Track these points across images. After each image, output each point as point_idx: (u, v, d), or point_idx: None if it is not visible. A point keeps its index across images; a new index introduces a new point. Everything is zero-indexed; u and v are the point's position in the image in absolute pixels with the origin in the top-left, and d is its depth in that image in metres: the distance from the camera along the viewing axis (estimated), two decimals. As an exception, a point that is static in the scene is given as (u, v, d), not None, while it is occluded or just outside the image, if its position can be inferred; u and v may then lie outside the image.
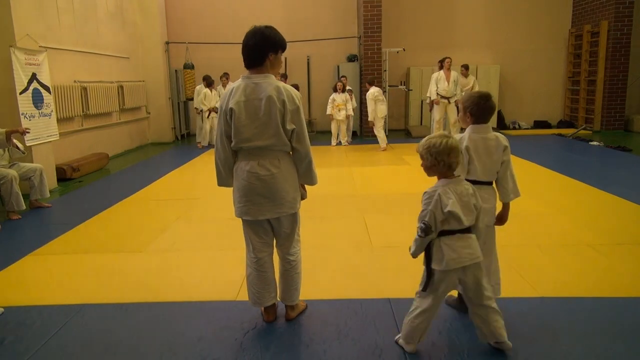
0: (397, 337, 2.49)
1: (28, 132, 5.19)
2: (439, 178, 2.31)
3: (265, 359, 2.39)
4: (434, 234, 2.25)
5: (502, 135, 2.68)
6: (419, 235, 2.25)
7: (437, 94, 9.64)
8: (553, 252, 3.69)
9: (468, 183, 2.35)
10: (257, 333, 2.64)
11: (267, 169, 2.52)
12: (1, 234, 4.55)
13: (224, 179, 2.68)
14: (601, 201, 5.10)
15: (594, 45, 11.28)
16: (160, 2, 11.10)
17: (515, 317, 2.72)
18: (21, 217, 5.08)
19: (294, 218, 2.71)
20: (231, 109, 2.48)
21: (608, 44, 10.90)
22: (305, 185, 2.76)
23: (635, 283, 3.12)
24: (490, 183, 2.64)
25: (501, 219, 2.70)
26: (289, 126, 2.49)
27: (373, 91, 9.10)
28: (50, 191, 5.75)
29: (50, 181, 6.13)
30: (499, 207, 2.69)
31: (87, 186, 6.73)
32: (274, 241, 2.77)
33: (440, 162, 2.24)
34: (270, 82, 2.50)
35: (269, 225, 2.70)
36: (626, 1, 10.62)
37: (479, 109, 2.60)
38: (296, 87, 9.53)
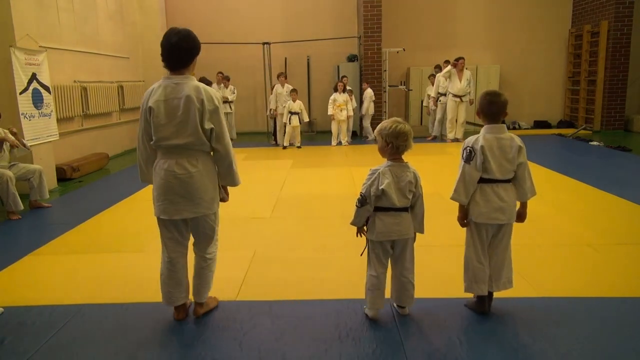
0: (364, 307, 2.78)
1: (15, 132, 5.23)
2: (387, 160, 2.60)
3: (265, 359, 2.39)
4: (369, 206, 2.56)
5: (518, 137, 2.69)
6: (356, 205, 2.59)
7: (450, 93, 9.76)
8: (553, 252, 3.69)
9: (412, 170, 2.60)
10: (257, 333, 2.63)
11: (185, 168, 2.55)
12: (1, 234, 4.56)
13: (145, 175, 2.75)
14: (601, 201, 5.09)
15: (594, 45, 11.28)
16: (160, 2, 11.10)
17: (515, 317, 2.72)
18: (21, 217, 5.08)
19: (212, 218, 2.72)
20: (150, 108, 2.52)
21: (608, 44, 10.90)
22: (228, 188, 2.81)
23: (635, 283, 3.12)
24: (508, 180, 2.69)
25: (520, 216, 2.79)
26: (207, 125, 2.52)
27: (370, 91, 10.49)
28: (50, 191, 5.75)
29: (50, 181, 6.13)
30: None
31: (87, 186, 6.73)
32: (190, 241, 2.79)
33: (389, 144, 2.54)
34: (190, 83, 2.54)
35: (185, 225, 2.71)
36: (626, 1, 10.62)
37: (486, 107, 2.65)
38: (295, 91, 9.54)
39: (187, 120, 2.49)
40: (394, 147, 2.53)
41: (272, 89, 10.62)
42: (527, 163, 2.69)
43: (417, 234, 2.73)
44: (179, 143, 2.53)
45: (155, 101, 2.52)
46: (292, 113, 9.51)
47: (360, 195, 2.58)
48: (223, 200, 2.78)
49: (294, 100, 9.53)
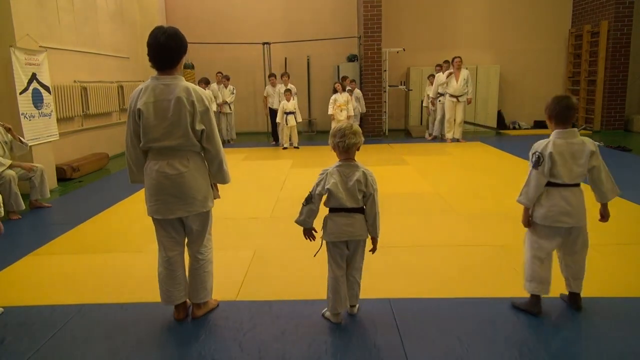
0: (323, 310, 2.76)
1: (9, 127, 5.27)
2: (339, 160, 2.63)
3: (265, 359, 2.39)
4: (314, 205, 2.61)
5: (590, 140, 2.66)
6: (302, 204, 2.64)
7: (446, 92, 9.74)
8: (553, 252, 3.68)
9: (362, 170, 2.60)
10: (257, 333, 2.63)
11: (176, 168, 2.56)
12: (1, 234, 4.55)
13: (135, 176, 2.77)
14: (601, 201, 5.09)
15: (594, 45, 11.28)
16: (160, 2, 11.10)
17: (515, 317, 2.72)
18: (21, 217, 5.08)
19: (205, 217, 2.74)
20: (139, 110, 2.51)
21: (608, 44, 10.91)
22: (219, 185, 2.81)
23: (636, 283, 3.12)
24: (577, 184, 2.73)
25: (603, 217, 2.87)
26: (199, 127, 2.53)
27: (358, 91, 10.73)
28: (51, 191, 5.75)
29: (50, 181, 6.13)
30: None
31: (87, 186, 6.73)
32: (186, 240, 2.79)
33: (337, 144, 2.57)
34: (180, 84, 2.54)
35: (181, 224, 2.72)
36: (626, 1, 10.63)
37: (562, 112, 2.63)
38: (289, 91, 9.55)
39: (178, 122, 2.49)
40: (340, 146, 2.57)
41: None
42: (602, 165, 2.69)
43: (375, 237, 2.69)
44: (169, 144, 2.53)
45: (144, 103, 2.51)
46: (287, 113, 9.52)
47: (309, 193, 2.64)
48: (215, 197, 2.79)
49: (288, 100, 9.54)
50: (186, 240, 2.79)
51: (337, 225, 2.57)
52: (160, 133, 2.51)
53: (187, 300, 2.84)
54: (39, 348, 2.53)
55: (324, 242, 2.66)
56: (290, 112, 9.52)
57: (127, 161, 2.71)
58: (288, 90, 9.60)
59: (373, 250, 2.73)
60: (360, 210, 2.60)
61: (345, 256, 2.67)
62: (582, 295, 2.91)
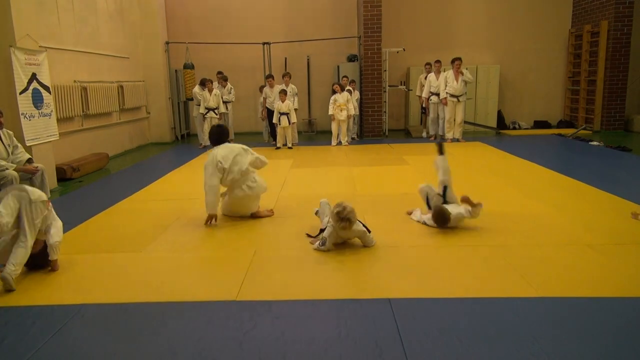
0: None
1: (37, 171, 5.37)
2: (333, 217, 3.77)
3: (265, 359, 2.39)
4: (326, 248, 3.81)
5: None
6: (318, 244, 3.86)
7: (447, 92, 9.75)
8: (553, 252, 3.69)
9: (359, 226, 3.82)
10: (257, 333, 2.64)
11: None
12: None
13: None
14: (601, 201, 5.10)
15: (594, 45, 11.28)
16: (160, 2, 11.10)
17: (515, 317, 2.72)
18: (21, 217, 5.07)
19: None
20: None
21: (608, 44, 10.90)
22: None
23: (635, 283, 3.12)
24: None
25: None
26: None
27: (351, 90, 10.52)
28: (51, 191, 5.75)
29: (50, 181, 6.13)
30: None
31: (87, 186, 6.73)
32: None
33: (338, 224, 3.72)
34: None
35: None
36: (626, 1, 10.62)
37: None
38: (284, 92, 9.62)
39: None
40: (340, 226, 3.72)
41: (260, 90, 10.65)
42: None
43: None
44: None
45: None
46: (281, 114, 9.52)
47: (322, 239, 3.85)
48: None
49: (282, 101, 9.54)
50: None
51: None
52: None
53: None
54: (39, 348, 2.53)
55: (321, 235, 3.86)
56: (284, 113, 9.53)
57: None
58: (283, 91, 9.60)
59: None
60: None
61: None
62: (582, 295, 2.91)
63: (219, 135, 4.79)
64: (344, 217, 3.63)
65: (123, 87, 9.60)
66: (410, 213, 4.68)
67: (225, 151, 4.61)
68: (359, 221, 3.81)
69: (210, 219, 4.57)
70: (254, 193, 4.71)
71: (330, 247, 3.77)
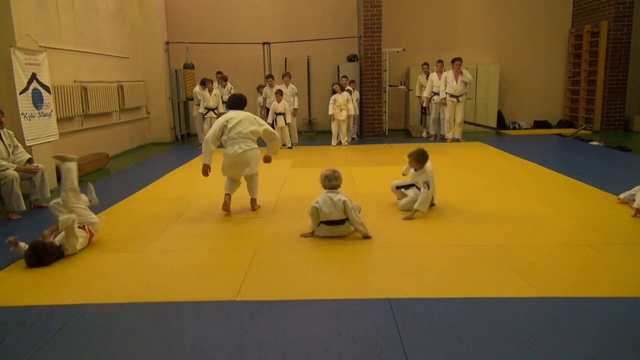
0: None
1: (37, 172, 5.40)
2: (324, 189, 4.16)
3: (265, 359, 2.39)
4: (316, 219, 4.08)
5: None
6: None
7: (446, 92, 9.74)
8: (553, 252, 3.69)
9: (342, 195, 4.07)
10: (257, 333, 2.64)
11: None
12: (1, 234, 4.55)
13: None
14: (601, 201, 5.10)
15: (594, 45, 11.28)
16: (160, 2, 11.10)
17: (515, 317, 2.72)
18: (21, 217, 5.08)
19: None
20: None
21: (608, 44, 10.90)
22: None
23: (635, 283, 3.12)
24: None
25: None
26: None
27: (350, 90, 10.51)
28: (51, 191, 5.75)
29: (50, 181, 6.12)
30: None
31: (87, 186, 6.71)
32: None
33: (323, 182, 4.15)
34: None
35: None
36: (626, 1, 10.62)
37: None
38: (280, 92, 9.62)
39: None
40: (326, 185, 4.14)
41: (258, 90, 10.64)
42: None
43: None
44: None
45: None
46: (277, 114, 9.53)
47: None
48: None
49: (278, 102, 9.54)
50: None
51: (326, 231, 4.12)
52: None
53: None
54: (39, 348, 2.53)
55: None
56: (280, 113, 9.53)
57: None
58: (279, 92, 9.61)
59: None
60: (342, 222, 4.08)
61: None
62: (582, 295, 2.91)
63: (235, 101, 5.12)
64: (331, 173, 4.12)
65: (123, 87, 9.60)
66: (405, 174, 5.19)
67: (234, 114, 4.96)
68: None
69: (205, 169, 4.88)
70: (246, 157, 4.87)
71: (315, 227, 4.08)
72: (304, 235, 4.17)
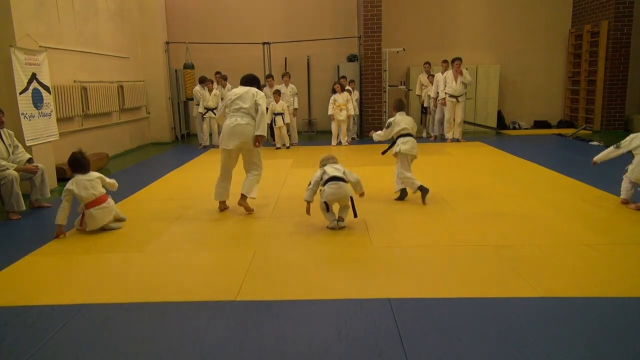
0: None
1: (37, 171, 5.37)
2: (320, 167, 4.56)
3: (265, 359, 2.39)
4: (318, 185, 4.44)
5: None
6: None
7: (445, 93, 9.73)
8: (553, 252, 3.69)
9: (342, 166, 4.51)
10: (257, 333, 2.64)
11: None
12: (1, 234, 4.55)
13: None
14: (601, 201, 5.10)
15: (594, 45, 11.28)
16: (160, 2, 11.10)
17: (515, 317, 2.72)
18: (21, 217, 5.08)
19: None
20: None
21: (608, 44, 10.90)
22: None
23: (635, 283, 3.12)
24: None
25: None
26: None
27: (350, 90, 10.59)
28: (51, 191, 5.75)
29: (50, 181, 6.12)
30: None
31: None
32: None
33: (324, 161, 4.59)
34: None
35: None
36: (626, 1, 10.62)
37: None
38: (278, 92, 9.67)
39: None
40: (324, 164, 4.57)
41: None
42: None
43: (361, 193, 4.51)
44: None
45: None
46: (275, 114, 9.53)
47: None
48: None
49: (276, 102, 9.55)
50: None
51: (331, 190, 4.32)
52: None
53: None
54: (39, 348, 2.53)
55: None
56: (279, 113, 9.54)
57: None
58: (277, 92, 9.62)
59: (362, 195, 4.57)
60: (342, 179, 4.36)
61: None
62: (582, 295, 2.92)
63: (247, 80, 5.45)
64: (329, 155, 4.70)
65: (123, 87, 9.59)
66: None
67: (242, 90, 5.20)
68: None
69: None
70: (240, 128, 4.93)
71: (315, 188, 4.43)
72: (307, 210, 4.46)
